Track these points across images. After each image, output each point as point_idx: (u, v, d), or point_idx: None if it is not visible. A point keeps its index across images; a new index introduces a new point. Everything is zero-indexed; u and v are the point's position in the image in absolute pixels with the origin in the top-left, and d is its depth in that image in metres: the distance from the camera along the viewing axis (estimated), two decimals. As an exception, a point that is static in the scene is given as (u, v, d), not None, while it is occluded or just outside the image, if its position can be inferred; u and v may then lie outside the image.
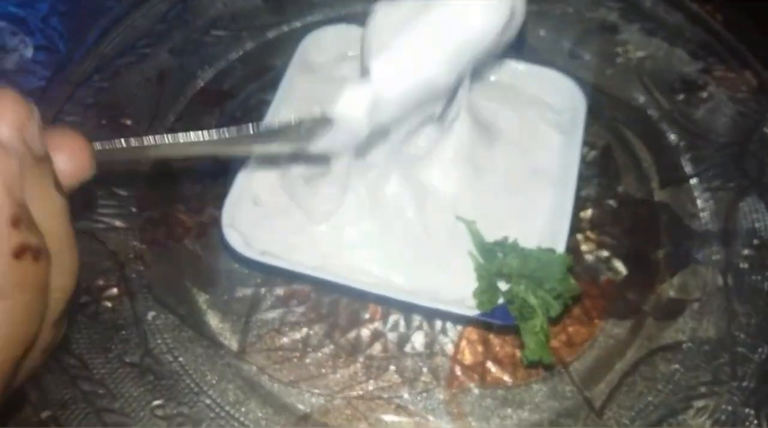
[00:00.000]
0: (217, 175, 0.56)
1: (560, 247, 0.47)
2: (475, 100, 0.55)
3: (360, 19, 0.61)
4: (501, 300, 0.46)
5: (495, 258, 0.47)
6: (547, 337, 0.45)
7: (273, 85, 0.56)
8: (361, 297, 0.51)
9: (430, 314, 0.51)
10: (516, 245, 0.48)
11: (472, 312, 0.46)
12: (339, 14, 0.66)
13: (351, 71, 0.56)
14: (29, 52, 0.64)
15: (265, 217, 0.50)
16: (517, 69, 0.57)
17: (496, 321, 0.47)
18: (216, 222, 0.53)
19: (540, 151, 0.54)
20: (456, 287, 0.48)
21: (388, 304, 0.51)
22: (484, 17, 0.46)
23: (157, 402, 0.47)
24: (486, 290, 0.46)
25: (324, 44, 0.58)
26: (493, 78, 0.57)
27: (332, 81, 0.55)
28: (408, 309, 0.51)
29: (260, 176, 0.52)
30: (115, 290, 0.50)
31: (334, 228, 0.49)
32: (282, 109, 0.54)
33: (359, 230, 0.49)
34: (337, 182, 0.49)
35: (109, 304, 0.50)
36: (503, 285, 0.47)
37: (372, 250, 0.49)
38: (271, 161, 0.52)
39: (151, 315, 0.50)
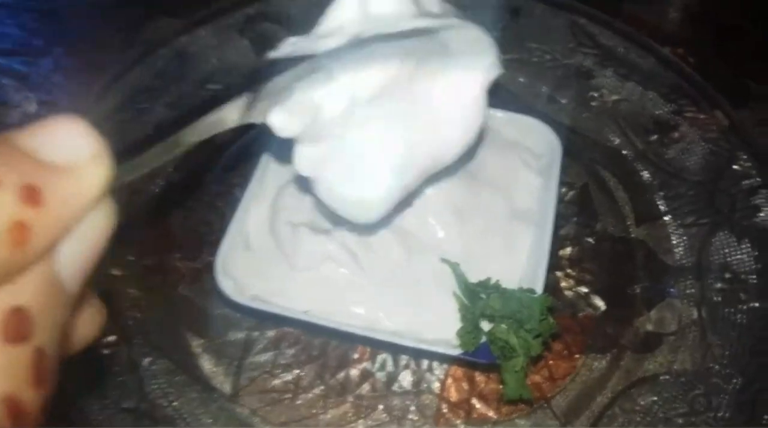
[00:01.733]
0: (212, 222, 0.59)
1: (539, 287, 0.49)
2: None
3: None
4: (483, 340, 0.48)
5: (478, 299, 0.49)
6: (526, 375, 0.47)
7: (268, 136, 0.58)
8: (349, 339, 0.53)
9: (417, 354, 0.53)
10: (498, 286, 0.50)
11: (456, 351, 0.48)
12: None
13: None
14: (33, 108, 0.68)
15: (256, 263, 0.52)
16: (497, 116, 0.60)
17: (479, 360, 0.48)
18: (210, 268, 0.56)
19: (519, 193, 0.57)
20: (440, 327, 0.50)
21: (375, 346, 0.53)
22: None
23: (153, 445, 0.49)
24: (469, 331, 0.48)
25: None
26: None
27: None
28: (395, 349, 0.53)
29: (252, 222, 0.54)
30: (111, 337, 0.52)
31: (321, 273, 0.51)
32: (271, 161, 0.57)
33: (345, 274, 0.51)
34: (320, 233, 0.51)
35: (106, 351, 0.52)
36: (486, 326, 0.49)
37: (358, 293, 0.51)
38: (263, 205, 0.54)
39: (146, 360, 0.52)
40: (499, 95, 0.65)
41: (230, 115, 0.38)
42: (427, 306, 0.51)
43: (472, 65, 0.46)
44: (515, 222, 0.55)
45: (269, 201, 0.55)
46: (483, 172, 0.57)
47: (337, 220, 0.52)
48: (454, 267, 0.51)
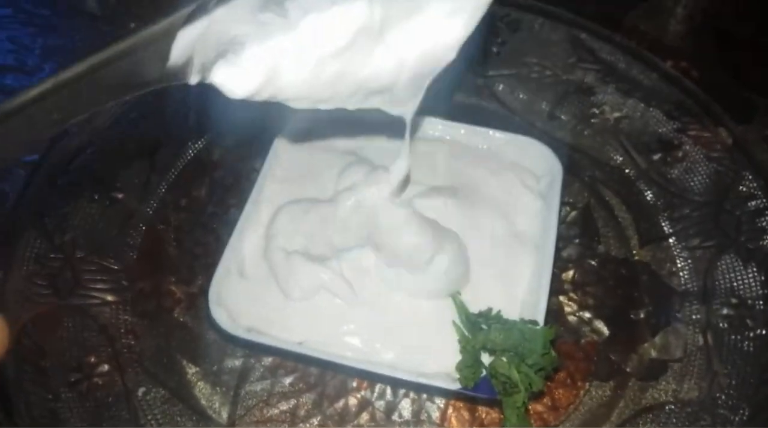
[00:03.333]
0: (207, 243, 0.58)
1: (540, 315, 0.48)
2: (457, 166, 0.57)
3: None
4: (484, 373, 0.47)
5: (479, 331, 0.48)
6: (527, 409, 0.46)
7: (261, 153, 0.57)
8: (346, 371, 0.51)
9: (416, 387, 0.52)
10: (500, 317, 0.49)
11: (456, 386, 0.47)
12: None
13: (332, 133, 0.59)
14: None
15: (250, 291, 0.51)
16: (496, 137, 0.58)
17: (480, 395, 0.47)
18: (204, 293, 0.55)
19: (520, 215, 0.55)
20: (439, 359, 0.48)
21: (372, 379, 0.52)
22: None
23: (147, 479, 0.47)
24: (470, 365, 0.47)
25: (302, 116, 0.58)
26: (474, 145, 0.59)
27: (313, 150, 0.58)
28: (393, 382, 0.52)
29: (247, 248, 0.53)
30: (105, 366, 0.51)
31: (316, 303, 0.50)
32: (268, 179, 0.56)
33: (340, 305, 0.50)
34: (315, 261, 0.50)
35: (99, 381, 0.51)
36: (486, 358, 0.48)
37: (354, 324, 0.49)
38: (258, 230, 0.53)
39: (141, 390, 0.51)
40: (497, 112, 0.65)
41: (150, 64, 0.31)
42: (425, 336, 0.50)
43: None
44: (516, 247, 0.54)
45: (264, 226, 0.54)
46: (482, 194, 0.56)
47: (332, 247, 0.51)
48: (455, 296, 0.50)
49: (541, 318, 0.48)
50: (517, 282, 0.52)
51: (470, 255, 0.52)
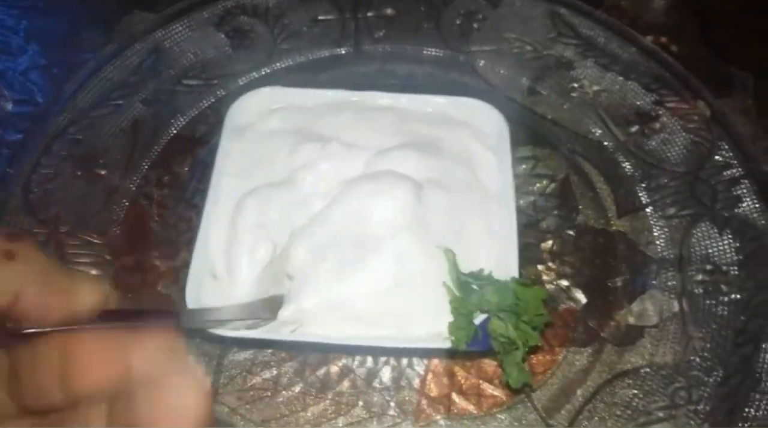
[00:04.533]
0: (190, 219, 0.58)
1: (514, 273, 0.49)
2: (409, 127, 0.58)
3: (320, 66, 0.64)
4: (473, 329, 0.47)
5: (471, 291, 0.49)
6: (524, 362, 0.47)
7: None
8: (343, 351, 0.52)
9: (409, 353, 0.52)
10: (491, 277, 0.49)
11: (448, 344, 0.47)
12: (306, 59, 0.68)
13: (277, 122, 0.58)
14: (9, 106, 0.67)
15: (225, 291, 0.50)
16: (439, 101, 0.60)
17: (475, 349, 0.48)
18: (188, 266, 0.55)
19: (481, 170, 0.56)
20: (424, 323, 0.49)
21: (368, 353, 0.53)
22: None
23: (130, 446, 0.48)
24: (463, 327, 0.47)
25: (247, 108, 0.59)
26: (420, 110, 0.60)
27: (261, 138, 0.57)
28: (385, 353, 0.53)
29: (213, 248, 0.52)
30: (89, 337, 0.52)
31: (299, 288, 0.49)
32: (223, 176, 0.55)
33: (320, 284, 0.49)
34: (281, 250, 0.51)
35: (83, 351, 0.51)
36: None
37: (337, 301, 0.49)
38: (222, 228, 0.53)
39: (124, 360, 0.51)
40: (478, 87, 0.65)
41: None
42: (408, 301, 0.50)
43: None
44: (485, 200, 0.54)
45: (227, 223, 0.53)
46: (441, 148, 0.57)
47: (295, 235, 0.51)
48: (449, 254, 0.50)
49: (514, 272, 0.49)
50: (489, 235, 0.53)
51: (448, 208, 0.53)
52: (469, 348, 0.47)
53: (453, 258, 0.50)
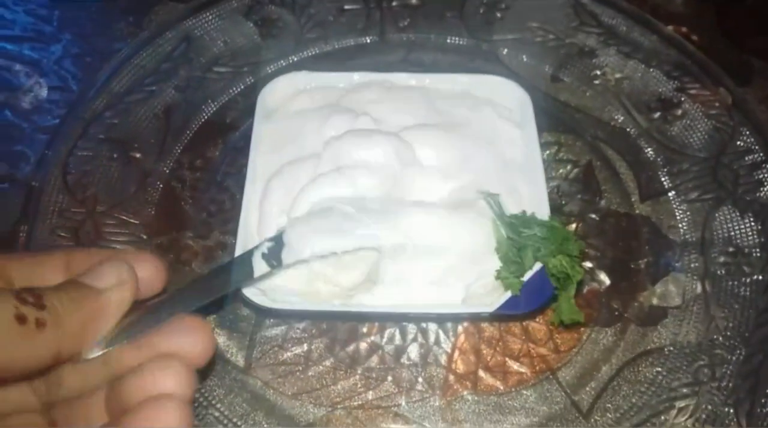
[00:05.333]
0: (222, 201, 0.60)
1: None
2: (435, 106, 0.59)
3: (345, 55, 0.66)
4: (508, 294, 0.49)
5: (517, 231, 0.50)
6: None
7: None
8: (380, 320, 0.54)
9: (454, 318, 0.54)
10: (535, 218, 0.51)
11: (492, 308, 0.49)
12: (333, 48, 0.70)
13: (307, 101, 0.60)
14: (44, 92, 0.69)
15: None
16: (463, 80, 0.61)
17: (515, 311, 0.50)
18: (221, 246, 0.57)
19: (505, 145, 0.58)
20: (451, 292, 0.51)
21: (412, 321, 0.54)
22: None
23: (169, 416, 0.50)
24: (513, 270, 0.49)
25: (278, 90, 0.61)
26: (445, 89, 0.61)
27: (292, 117, 0.59)
28: (425, 320, 0.54)
29: (252, 231, 0.53)
30: (128, 313, 0.53)
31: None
32: (258, 156, 0.57)
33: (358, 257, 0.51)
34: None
35: (122, 325, 0.53)
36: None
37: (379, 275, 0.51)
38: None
39: (162, 334, 0.53)
40: (502, 75, 0.66)
41: None
42: (445, 272, 0.51)
43: None
44: (510, 173, 0.56)
45: (259, 203, 0.54)
46: (465, 128, 0.58)
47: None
48: (494, 196, 0.52)
49: None
50: (517, 206, 0.54)
51: (471, 186, 0.54)
52: (509, 311, 0.49)
53: (498, 200, 0.52)
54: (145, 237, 0.58)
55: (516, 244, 0.50)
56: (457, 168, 0.55)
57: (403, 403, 0.51)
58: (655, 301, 0.55)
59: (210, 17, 0.70)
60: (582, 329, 0.54)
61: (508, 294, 0.49)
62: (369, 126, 0.55)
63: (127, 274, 0.36)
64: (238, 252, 0.51)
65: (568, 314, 0.49)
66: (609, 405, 0.51)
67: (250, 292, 0.49)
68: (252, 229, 0.53)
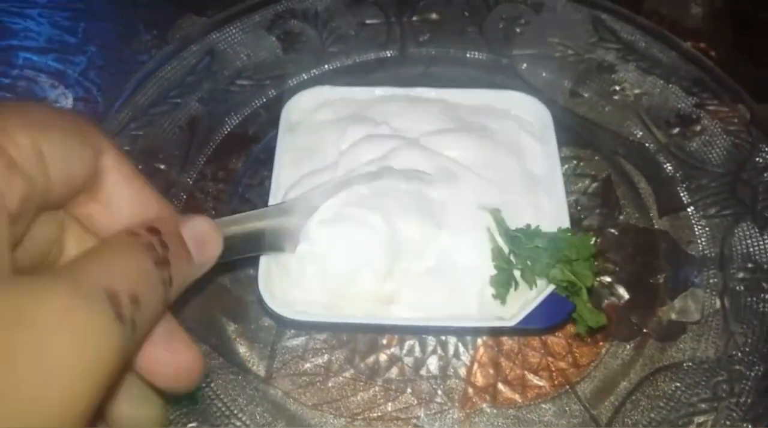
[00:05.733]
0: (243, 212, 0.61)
1: None
2: (458, 115, 0.60)
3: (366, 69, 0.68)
4: (533, 306, 0.49)
5: (521, 244, 0.51)
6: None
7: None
8: (402, 332, 0.55)
9: (475, 332, 0.55)
10: (539, 230, 0.51)
11: (512, 323, 0.49)
12: (354, 61, 0.71)
13: (329, 114, 0.61)
14: (69, 103, 0.70)
15: (295, 283, 0.52)
16: (484, 95, 0.62)
17: (534, 326, 0.51)
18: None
19: (527, 157, 0.58)
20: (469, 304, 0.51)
21: (430, 333, 0.55)
22: None
23: (192, 425, 0.51)
24: (505, 282, 0.50)
25: (302, 103, 0.61)
26: (466, 103, 0.62)
27: (313, 129, 0.60)
28: (443, 333, 0.55)
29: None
30: (152, 321, 0.54)
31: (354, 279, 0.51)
32: (281, 170, 0.57)
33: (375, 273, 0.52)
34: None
35: (147, 334, 0.54)
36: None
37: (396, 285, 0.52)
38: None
39: (185, 343, 0.54)
40: (521, 90, 0.67)
41: None
42: (465, 285, 0.52)
43: None
44: (531, 185, 0.56)
45: None
46: (489, 135, 0.58)
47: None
48: (494, 213, 0.52)
49: None
50: (540, 218, 0.54)
51: (494, 191, 0.55)
52: (529, 325, 0.49)
53: (499, 216, 0.52)
54: (168, 247, 0.59)
55: (508, 258, 0.51)
56: (479, 170, 0.56)
57: (422, 415, 0.52)
58: (673, 316, 0.56)
59: (233, 31, 0.71)
60: (601, 343, 0.55)
61: (527, 305, 0.50)
62: (387, 133, 0.56)
63: (218, 253, 0.36)
64: (261, 263, 0.51)
65: (591, 319, 0.49)
66: (628, 420, 0.51)
67: (272, 303, 0.50)
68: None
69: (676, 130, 0.65)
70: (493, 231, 0.52)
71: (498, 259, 0.51)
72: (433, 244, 0.52)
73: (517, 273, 0.51)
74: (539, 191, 0.56)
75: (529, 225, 0.52)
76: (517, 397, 0.52)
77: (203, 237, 0.34)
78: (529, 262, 0.50)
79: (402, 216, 0.52)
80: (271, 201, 0.55)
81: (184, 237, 0.33)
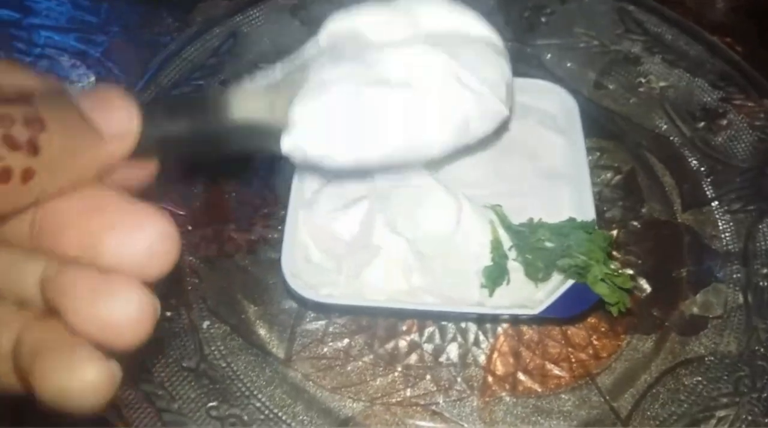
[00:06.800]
0: (265, 196, 0.61)
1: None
2: None
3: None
4: (556, 296, 0.49)
5: (525, 237, 0.51)
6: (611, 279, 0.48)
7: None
8: (422, 317, 0.55)
9: (494, 319, 0.55)
10: (543, 223, 0.51)
11: (536, 310, 0.49)
12: (377, 48, 0.70)
13: None
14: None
15: (319, 273, 0.52)
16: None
17: (558, 315, 0.50)
18: (263, 240, 0.58)
19: (545, 154, 0.58)
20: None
21: (447, 320, 0.55)
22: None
23: (212, 404, 0.51)
24: (497, 275, 0.50)
25: None
26: None
27: None
28: (466, 319, 0.55)
29: (303, 234, 0.53)
30: (173, 300, 0.54)
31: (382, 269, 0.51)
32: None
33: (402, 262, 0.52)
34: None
35: (168, 313, 0.54)
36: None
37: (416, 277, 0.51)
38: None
39: (206, 324, 0.54)
40: (544, 79, 0.66)
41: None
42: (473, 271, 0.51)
43: None
44: (548, 182, 0.56)
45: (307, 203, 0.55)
46: (504, 140, 0.58)
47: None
48: (496, 208, 0.52)
49: None
50: (559, 214, 0.53)
51: (504, 201, 0.54)
52: (551, 314, 0.49)
53: (501, 211, 0.52)
54: (190, 228, 0.59)
55: (524, 252, 0.50)
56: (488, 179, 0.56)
57: (442, 402, 0.52)
58: (696, 310, 0.55)
59: (257, 14, 0.71)
60: (622, 336, 0.54)
61: (550, 294, 0.50)
62: None
63: (136, 122, 0.27)
64: (285, 248, 0.51)
65: (611, 297, 0.48)
66: (648, 413, 0.51)
67: (296, 285, 0.50)
68: (302, 239, 0.53)
69: (701, 124, 0.64)
70: (496, 226, 0.52)
71: (494, 252, 0.51)
72: (453, 235, 0.52)
73: (523, 267, 0.51)
74: (560, 186, 0.55)
75: (531, 219, 0.52)
76: (536, 387, 0.52)
77: (105, 103, 0.27)
78: (529, 256, 0.50)
79: (421, 209, 0.52)
80: (293, 187, 0.55)
81: (81, 107, 0.25)
